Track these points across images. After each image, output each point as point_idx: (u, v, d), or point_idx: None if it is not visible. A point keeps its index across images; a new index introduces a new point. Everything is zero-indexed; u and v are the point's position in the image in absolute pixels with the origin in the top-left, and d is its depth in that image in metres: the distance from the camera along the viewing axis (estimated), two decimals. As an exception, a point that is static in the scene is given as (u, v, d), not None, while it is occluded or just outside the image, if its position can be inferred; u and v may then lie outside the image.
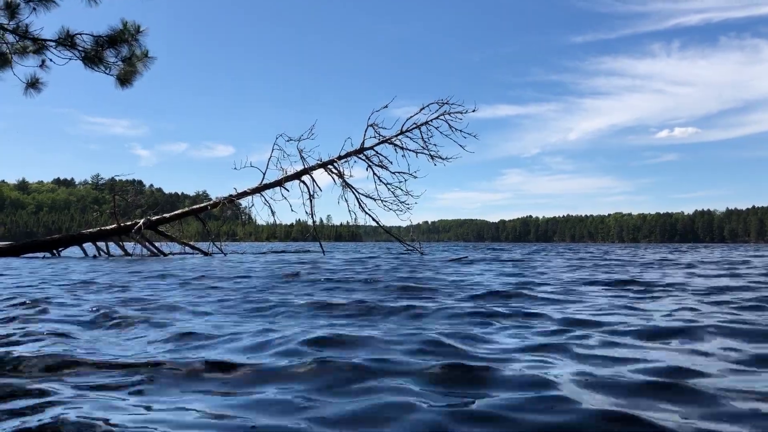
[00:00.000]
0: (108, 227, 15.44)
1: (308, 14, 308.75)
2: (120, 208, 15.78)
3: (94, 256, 14.78)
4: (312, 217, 16.79)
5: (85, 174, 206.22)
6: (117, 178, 17.63)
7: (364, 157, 15.98)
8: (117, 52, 8.53)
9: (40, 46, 8.38)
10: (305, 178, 16.25)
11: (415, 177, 15.61)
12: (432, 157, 15.57)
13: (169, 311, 3.59)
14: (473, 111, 15.47)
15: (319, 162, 16.11)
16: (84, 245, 15.75)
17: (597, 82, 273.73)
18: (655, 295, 4.57)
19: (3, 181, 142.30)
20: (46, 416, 1.46)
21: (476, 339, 2.56)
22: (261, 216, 17.29)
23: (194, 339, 2.50)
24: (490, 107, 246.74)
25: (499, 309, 3.53)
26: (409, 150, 15.66)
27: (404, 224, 16.87)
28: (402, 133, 15.68)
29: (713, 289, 4.94)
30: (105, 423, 1.42)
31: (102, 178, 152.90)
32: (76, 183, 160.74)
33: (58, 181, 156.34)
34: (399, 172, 15.72)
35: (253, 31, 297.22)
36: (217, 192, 16.53)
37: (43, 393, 1.68)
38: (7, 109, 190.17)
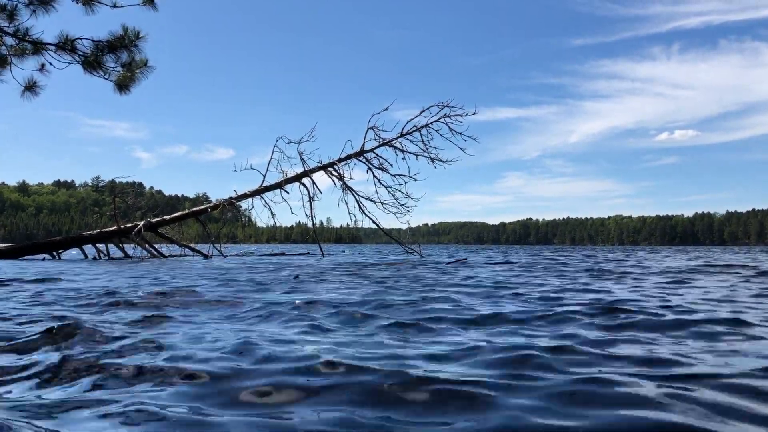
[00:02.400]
0: (108, 229, 15.44)
1: (308, 18, 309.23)
2: (120, 210, 15.77)
3: (94, 258, 14.78)
4: (312, 219, 16.81)
5: (85, 176, 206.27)
6: (117, 181, 17.69)
7: (364, 160, 15.99)
8: (117, 58, 8.54)
9: (39, 49, 8.39)
10: (305, 180, 16.27)
11: (416, 179, 15.62)
12: (432, 159, 15.58)
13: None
14: (474, 114, 15.49)
15: (319, 164, 16.13)
16: (84, 247, 15.75)
17: (597, 85, 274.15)
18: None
19: (3, 183, 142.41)
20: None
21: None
22: (261, 218, 17.32)
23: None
24: (490, 110, 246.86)
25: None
26: (410, 153, 15.68)
27: (404, 227, 16.88)
28: (402, 135, 15.69)
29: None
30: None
31: (102, 181, 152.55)
32: (77, 185, 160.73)
33: (58, 183, 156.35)
34: (399, 175, 15.74)
35: (254, 35, 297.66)
36: (218, 194, 16.60)
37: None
38: (7, 111, 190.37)
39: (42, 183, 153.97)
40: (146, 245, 15.54)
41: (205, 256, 16.07)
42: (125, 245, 15.75)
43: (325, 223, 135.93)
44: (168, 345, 2.36)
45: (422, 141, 15.54)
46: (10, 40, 8.33)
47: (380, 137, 15.80)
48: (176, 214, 16.42)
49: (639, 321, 3.11)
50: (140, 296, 4.56)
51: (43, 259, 14.33)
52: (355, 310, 3.55)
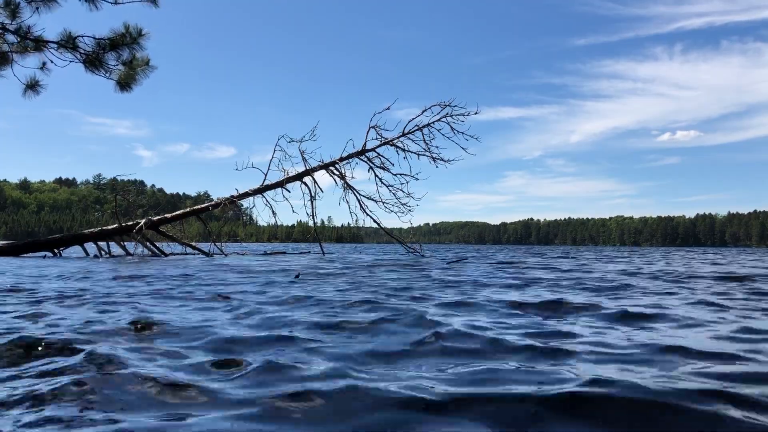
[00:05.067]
0: (109, 227, 15.45)
1: (310, 18, 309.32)
2: (121, 208, 15.78)
3: (96, 256, 14.78)
4: (313, 218, 16.81)
5: (87, 175, 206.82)
6: (118, 179, 17.68)
7: (365, 159, 15.99)
8: (118, 56, 8.52)
9: (41, 47, 8.37)
10: (307, 179, 16.27)
11: (417, 179, 15.62)
12: (434, 159, 15.58)
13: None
14: (475, 113, 15.48)
15: (320, 163, 16.12)
16: (85, 245, 15.75)
17: (599, 85, 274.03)
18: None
19: (5, 180, 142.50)
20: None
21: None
22: (262, 217, 17.41)
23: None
24: (492, 109, 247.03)
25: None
26: (411, 152, 15.67)
27: (405, 226, 16.89)
28: (404, 134, 15.68)
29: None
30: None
31: (104, 178, 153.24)
32: (78, 183, 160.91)
33: (59, 181, 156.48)
34: (401, 174, 15.73)
35: (256, 34, 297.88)
36: (219, 193, 16.59)
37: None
38: (9, 109, 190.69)
39: (44, 180, 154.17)
40: (147, 243, 15.54)
41: (207, 255, 16.06)
42: (126, 243, 15.75)
43: (326, 222, 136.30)
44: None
45: (424, 140, 15.55)
46: (12, 38, 8.32)
47: (382, 136, 15.81)
48: (177, 212, 16.43)
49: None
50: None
51: (44, 257, 14.34)
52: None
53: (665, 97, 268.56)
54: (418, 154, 15.66)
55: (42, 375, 1.85)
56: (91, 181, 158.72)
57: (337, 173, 16.10)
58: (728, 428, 1.36)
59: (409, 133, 15.67)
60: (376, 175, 15.95)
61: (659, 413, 1.44)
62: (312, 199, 16.30)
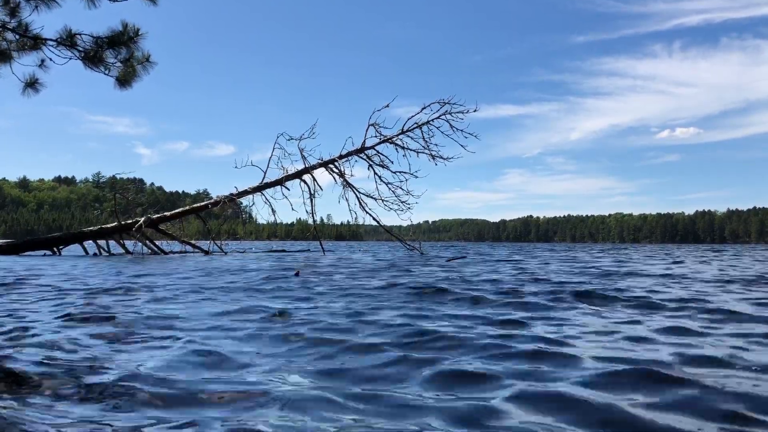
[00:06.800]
0: (109, 225, 15.46)
1: (310, 15, 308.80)
2: (121, 206, 15.79)
3: (95, 254, 14.78)
4: (313, 216, 16.84)
5: (86, 172, 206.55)
6: (118, 177, 17.61)
7: (365, 157, 16.00)
8: (116, 53, 8.49)
9: (39, 44, 8.34)
10: (306, 177, 16.28)
11: (416, 176, 15.65)
12: (433, 156, 15.60)
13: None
14: (474, 111, 15.49)
15: (320, 161, 16.12)
16: (85, 243, 15.75)
17: (598, 83, 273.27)
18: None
19: (4, 179, 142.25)
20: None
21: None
22: (262, 215, 17.46)
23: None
24: (491, 107, 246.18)
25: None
26: (410, 149, 15.69)
27: (405, 224, 16.92)
28: (403, 132, 15.69)
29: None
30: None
31: (103, 177, 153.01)
32: (77, 181, 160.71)
33: (59, 179, 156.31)
34: (400, 172, 15.75)
35: (256, 31, 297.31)
36: (218, 191, 16.57)
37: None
38: (8, 107, 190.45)
39: (43, 179, 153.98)
40: (147, 242, 15.55)
41: (206, 253, 16.07)
42: (126, 241, 15.75)
43: (325, 220, 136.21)
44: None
45: (423, 138, 15.58)
46: (10, 36, 8.28)
47: (381, 134, 15.82)
48: (177, 211, 16.43)
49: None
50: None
51: (44, 255, 14.33)
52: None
53: (665, 95, 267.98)
54: (418, 152, 15.68)
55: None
56: (91, 180, 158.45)
57: (337, 171, 16.11)
58: None
59: (408, 130, 15.68)
60: (375, 173, 15.99)
61: None
62: (311, 197, 16.34)
